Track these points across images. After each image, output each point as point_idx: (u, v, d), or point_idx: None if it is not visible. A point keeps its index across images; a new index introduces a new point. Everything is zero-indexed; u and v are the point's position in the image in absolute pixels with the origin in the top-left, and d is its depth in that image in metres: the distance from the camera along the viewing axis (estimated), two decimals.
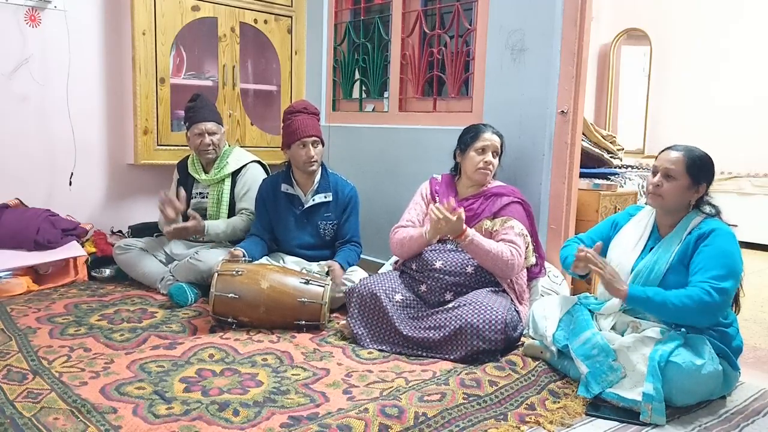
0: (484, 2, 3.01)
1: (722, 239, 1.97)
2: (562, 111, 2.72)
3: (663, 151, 2.10)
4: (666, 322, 2.03)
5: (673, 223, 2.09)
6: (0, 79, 3.24)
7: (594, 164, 3.32)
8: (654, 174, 2.08)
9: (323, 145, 2.93)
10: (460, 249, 2.47)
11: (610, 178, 3.21)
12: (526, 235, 2.51)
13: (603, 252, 2.25)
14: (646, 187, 2.14)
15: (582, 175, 2.97)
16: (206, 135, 3.03)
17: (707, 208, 2.07)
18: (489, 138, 2.57)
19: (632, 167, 4.10)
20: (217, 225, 3.00)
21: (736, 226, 2.08)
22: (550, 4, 2.72)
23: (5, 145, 3.27)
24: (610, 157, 3.43)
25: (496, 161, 2.59)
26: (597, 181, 3.08)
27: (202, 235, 2.96)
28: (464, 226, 2.34)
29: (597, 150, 3.34)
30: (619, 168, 3.48)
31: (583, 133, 3.04)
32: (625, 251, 2.16)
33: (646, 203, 2.21)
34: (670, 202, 2.05)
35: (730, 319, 2.06)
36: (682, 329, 1.99)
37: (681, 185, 2.03)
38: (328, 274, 2.76)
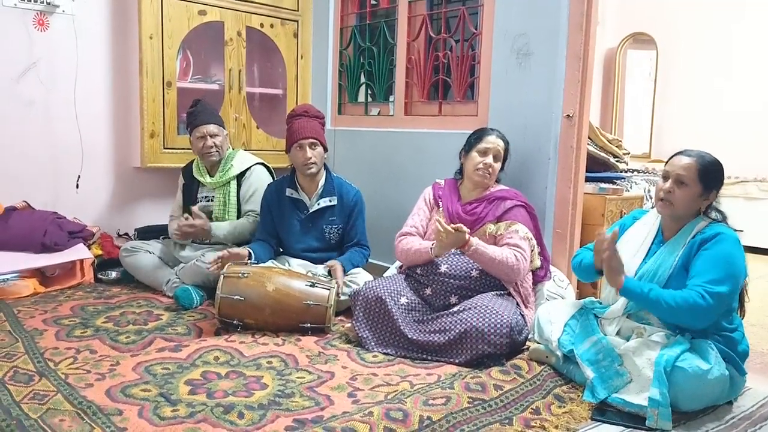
0: (490, 6, 3.01)
1: (724, 244, 1.95)
2: (568, 115, 2.72)
3: (674, 156, 2.06)
4: (671, 327, 2.02)
5: (678, 228, 2.07)
6: (8, 83, 3.27)
7: (600, 168, 3.31)
8: (665, 179, 2.04)
9: (325, 149, 2.93)
10: None
11: (616, 183, 3.20)
12: (531, 239, 2.50)
13: None
14: (655, 193, 2.11)
15: (588, 179, 2.96)
16: (208, 137, 3.05)
17: (713, 214, 2.05)
18: (493, 141, 2.58)
19: (638, 171, 4.10)
20: (222, 227, 3.01)
21: (741, 231, 2.05)
22: (555, 8, 2.72)
23: (13, 148, 3.30)
24: (616, 161, 3.42)
25: (497, 165, 2.59)
26: (603, 185, 3.08)
27: (208, 237, 2.97)
28: (467, 236, 2.34)
29: (603, 154, 3.33)
30: (625, 172, 3.47)
31: (589, 137, 3.03)
32: (629, 254, 2.13)
33: (653, 207, 2.19)
34: (680, 209, 2.02)
35: (736, 323, 2.04)
36: (687, 333, 1.98)
37: (693, 192, 2.00)
38: (330, 275, 2.77)
